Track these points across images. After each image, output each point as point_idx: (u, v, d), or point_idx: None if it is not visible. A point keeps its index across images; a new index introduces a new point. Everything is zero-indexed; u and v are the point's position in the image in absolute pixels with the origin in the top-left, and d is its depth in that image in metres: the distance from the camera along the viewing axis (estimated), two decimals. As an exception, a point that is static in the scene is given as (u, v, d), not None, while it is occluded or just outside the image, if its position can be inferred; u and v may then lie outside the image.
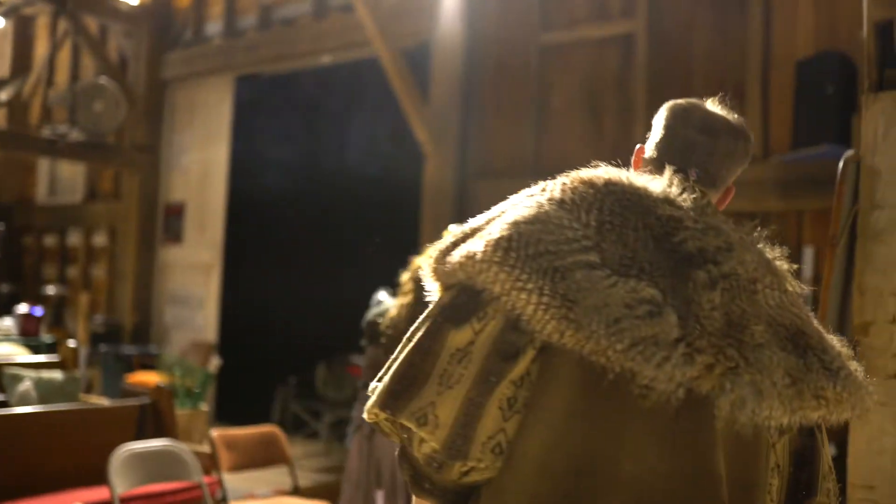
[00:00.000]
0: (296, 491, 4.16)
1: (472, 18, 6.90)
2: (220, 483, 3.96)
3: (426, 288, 3.05)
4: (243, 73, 8.67)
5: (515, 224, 1.24)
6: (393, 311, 2.96)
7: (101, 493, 3.92)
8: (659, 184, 1.34)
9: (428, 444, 1.22)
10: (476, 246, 1.25)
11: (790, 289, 1.33)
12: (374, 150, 7.47)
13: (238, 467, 4.08)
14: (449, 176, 6.92)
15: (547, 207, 1.27)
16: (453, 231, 3.71)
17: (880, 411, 2.53)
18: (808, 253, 5.24)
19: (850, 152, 2.82)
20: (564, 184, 1.34)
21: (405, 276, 3.07)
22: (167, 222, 9.19)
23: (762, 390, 1.17)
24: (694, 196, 1.34)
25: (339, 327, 7.25)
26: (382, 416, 1.27)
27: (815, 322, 1.34)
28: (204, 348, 8.06)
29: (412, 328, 1.33)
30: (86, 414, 4.37)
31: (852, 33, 5.46)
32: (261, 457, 4.16)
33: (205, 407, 5.49)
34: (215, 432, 4.13)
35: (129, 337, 8.98)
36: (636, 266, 1.21)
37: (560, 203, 1.28)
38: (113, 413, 4.47)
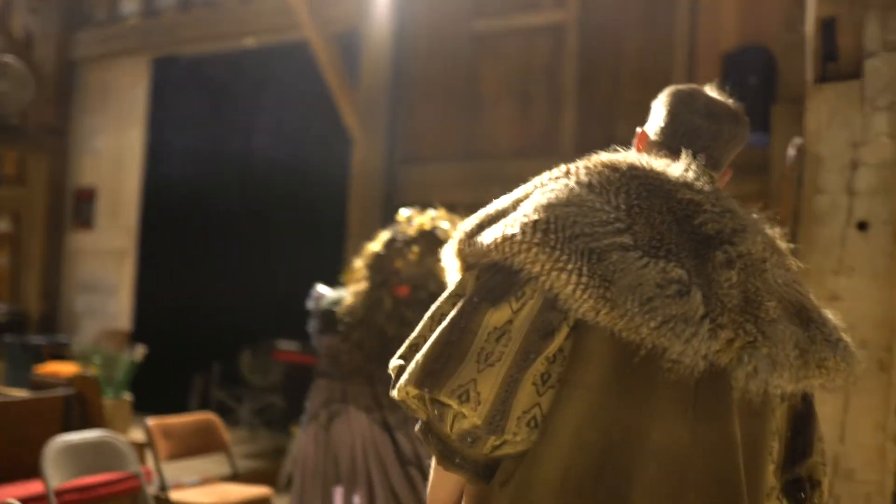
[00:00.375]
0: (234, 477, 4.07)
1: (402, 4, 6.87)
2: (158, 472, 3.84)
3: (376, 274, 2.98)
4: (160, 54, 8.39)
5: (550, 206, 1.28)
6: (349, 299, 2.92)
7: (30, 487, 3.74)
8: (677, 168, 1.39)
9: (468, 419, 1.24)
10: (512, 227, 1.27)
11: (791, 266, 1.42)
12: (298, 136, 7.35)
13: (175, 455, 3.96)
14: (377, 161, 6.87)
15: (578, 190, 1.31)
16: (403, 215, 3.62)
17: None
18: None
19: (798, 140, 2.93)
20: (588, 167, 1.38)
21: (358, 263, 3.03)
22: (77, 207, 8.84)
23: (776, 362, 1.27)
24: (707, 179, 1.41)
25: (263, 313, 7.13)
26: (413, 392, 1.29)
27: (813, 297, 1.42)
28: (118, 336, 7.80)
29: (437, 307, 1.36)
30: (8, 406, 4.16)
31: (773, 28, 5.69)
32: (197, 444, 4.05)
33: (128, 396, 5.31)
34: (151, 421, 4.00)
35: (35, 326, 8.60)
36: (664, 247, 1.27)
37: (589, 186, 1.32)
38: (37, 405, 4.26)
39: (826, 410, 2.69)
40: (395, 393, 1.33)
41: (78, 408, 4.40)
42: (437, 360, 1.26)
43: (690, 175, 1.38)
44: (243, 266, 7.49)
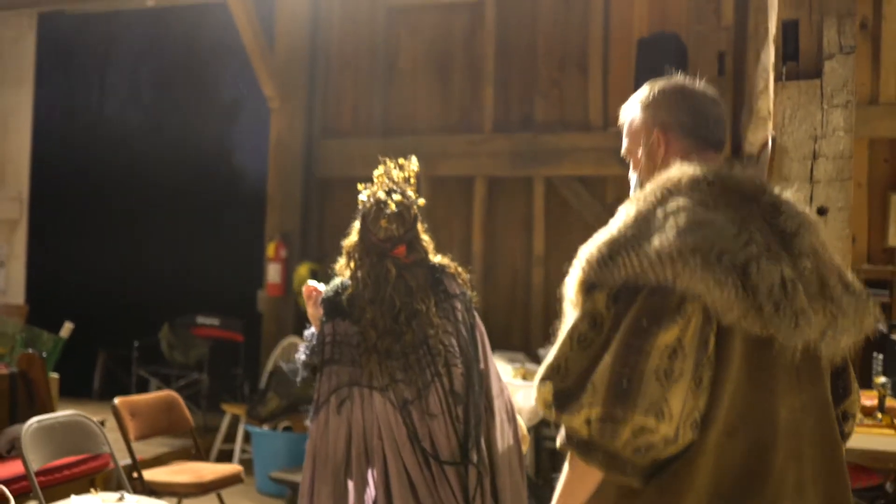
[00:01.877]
0: (197, 455, 4.07)
1: (319, -26, 6.81)
2: (129, 452, 3.80)
3: (370, 254, 3.03)
4: (48, 10, 7.93)
5: (691, 229, 1.43)
6: (352, 284, 2.96)
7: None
8: (742, 171, 1.59)
9: (659, 433, 1.38)
10: (667, 252, 1.41)
11: (825, 238, 1.64)
12: (212, 103, 7.19)
13: (143, 435, 3.93)
14: (297, 133, 6.84)
15: (703, 211, 1.48)
16: (361, 197, 3.54)
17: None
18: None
19: (772, 133, 3.22)
20: (690, 183, 1.53)
21: (342, 260, 3.05)
22: (-45, 174, 8.27)
23: (847, 330, 1.54)
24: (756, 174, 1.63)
25: (180, 287, 6.99)
26: (596, 415, 1.39)
27: (838, 258, 1.67)
28: (16, 312, 7.42)
29: (573, 327, 1.46)
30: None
31: (682, 18, 6.07)
32: (163, 423, 4.03)
33: (55, 375, 5.13)
34: (118, 399, 3.94)
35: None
36: (773, 250, 1.48)
37: (706, 205, 1.49)
38: (-20, 385, 4.10)
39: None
40: (575, 423, 1.41)
41: (23, 387, 4.27)
42: (619, 382, 1.38)
43: (756, 177, 1.60)
44: (154, 238, 7.28)
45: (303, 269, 6.51)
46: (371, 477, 2.86)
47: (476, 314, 2.94)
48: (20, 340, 5.32)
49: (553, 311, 1.69)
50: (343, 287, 2.97)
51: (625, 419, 1.37)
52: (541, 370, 1.47)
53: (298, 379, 3.15)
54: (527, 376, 5.16)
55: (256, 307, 6.80)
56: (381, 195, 2.90)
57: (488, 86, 6.49)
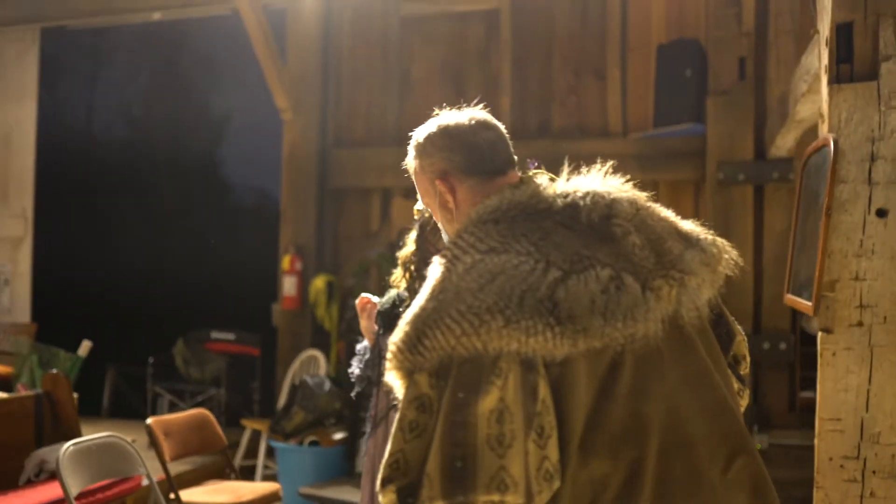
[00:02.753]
0: (231, 474, 3.96)
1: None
2: (165, 473, 3.69)
3: (425, 267, 2.93)
4: (51, 24, 7.82)
5: (487, 286, 1.33)
6: (410, 298, 2.90)
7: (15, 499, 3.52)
8: (528, 187, 1.51)
9: (508, 502, 1.26)
10: (469, 320, 1.31)
11: (644, 200, 1.55)
12: (217, 113, 7.10)
13: (177, 455, 3.82)
14: (310, 144, 6.76)
15: (491, 259, 1.38)
16: (417, 208, 3.55)
17: (845, 355, 2.94)
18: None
19: (829, 135, 3.17)
20: (473, 232, 1.44)
21: (397, 271, 2.98)
22: (-43, 192, 8.13)
23: (700, 286, 1.46)
24: (547, 179, 1.55)
25: (194, 303, 6.87)
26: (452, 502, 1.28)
27: (672, 215, 1.59)
28: (21, 330, 7.28)
29: (401, 416, 1.35)
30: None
31: (700, 23, 6.04)
32: (196, 443, 3.92)
33: (74, 396, 5.01)
34: (152, 419, 3.83)
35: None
36: (582, 258, 1.38)
37: (493, 251, 1.39)
38: (5, 407, 3.97)
39: (852, 381, 2.97)
40: None
41: (49, 409, 4.15)
42: (452, 464, 1.27)
43: (543, 185, 1.51)
44: (164, 252, 7.17)
45: (319, 282, 6.42)
46: None
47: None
48: (35, 360, 5.20)
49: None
50: (400, 299, 2.90)
51: (469, 501, 1.26)
52: (380, 471, 1.34)
53: (353, 393, 3.07)
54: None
55: (271, 321, 6.70)
56: None
57: (504, 94, 6.43)
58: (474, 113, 1.64)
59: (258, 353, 6.38)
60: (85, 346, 5.15)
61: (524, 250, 1.38)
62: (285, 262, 6.49)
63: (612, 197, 1.49)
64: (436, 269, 1.43)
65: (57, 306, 7.60)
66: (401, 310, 2.87)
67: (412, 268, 2.87)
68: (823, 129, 3.18)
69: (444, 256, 1.44)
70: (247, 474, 5.60)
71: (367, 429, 2.92)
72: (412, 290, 2.86)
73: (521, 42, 6.48)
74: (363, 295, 2.99)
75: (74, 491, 3.20)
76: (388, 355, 1.40)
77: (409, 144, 1.72)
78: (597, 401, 1.33)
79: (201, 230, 7.00)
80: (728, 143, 5.65)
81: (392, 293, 2.96)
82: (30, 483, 3.87)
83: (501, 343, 1.28)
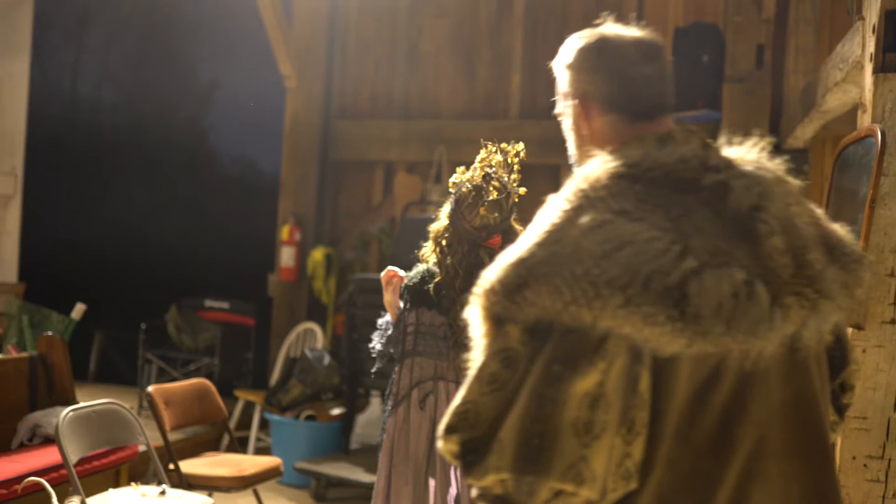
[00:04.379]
0: (231, 447, 3.86)
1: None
2: (165, 442, 3.58)
3: (461, 242, 2.82)
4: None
5: (608, 256, 1.18)
6: (441, 273, 2.80)
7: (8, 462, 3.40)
8: (679, 148, 1.33)
9: (580, 496, 1.16)
10: (583, 288, 1.17)
11: (799, 195, 1.39)
12: (228, 82, 6.93)
13: (178, 425, 3.71)
14: (313, 114, 6.61)
15: (622, 224, 1.21)
16: (453, 179, 3.45)
17: (876, 352, 2.87)
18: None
19: (876, 126, 3.08)
20: (605, 185, 1.27)
21: (428, 245, 2.87)
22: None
23: (831, 311, 1.28)
24: (699, 143, 1.36)
25: (186, 269, 6.73)
26: (509, 477, 1.17)
27: (821, 214, 1.43)
28: (7, 290, 7.11)
29: (482, 366, 1.22)
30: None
31: (719, 7, 5.94)
32: (196, 413, 3.81)
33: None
34: (153, 387, 3.71)
35: None
36: (720, 252, 1.22)
37: (625, 213, 1.23)
38: (0, 368, 3.84)
39: (881, 380, 2.89)
40: (484, 480, 1.19)
41: (43, 372, 4.02)
42: (530, 440, 1.15)
43: (697, 150, 1.32)
44: (157, 217, 7.02)
45: (317, 254, 6.30)
46: (454, 475, 2.72)
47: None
48: (26, 321, 5.04)
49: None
50: (430, 274, 2.81)
51: (539, 483, 1.15)
52: (446, 417, 1.22)
53: (373, 369, 2.97)
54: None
55: (266, 291, 6.58)
56: (480, 181, 2.74)
57: (515, 72, 6.31)
58: (643, 37, 1.42)
59: (253, 324, 6.26)
60: (79, 309, 5.00)
61: (660, 224, 1.20)
62: (284, 232, 6.36)
63: (765, 186, 1.31)
64: (554, 210, 1.25)
65: (46, 267, 7.42)
66: (430, 286, 2.78)
67: (444, 243, 2.77)
68: (865, 119, 3.08)
69: (567, 200, 1.24)
70: (239, 446, 5.49)
71: (388, 406, 2.83)
72: (442, 266, 2.77)
73: (534, 19, 6.36)
74: (389, 268, 2.89)
75: (74, 458, 3.09)
76: (478, 291, 1.23)
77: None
78: (690, 408, 1.21)
79: (194, 195, 6.85)
80: (743, 131, 5.54)
81: (421, 267, 2.87)
82: (23, 447, 3.75)
83: (614, 323, 1.14)
